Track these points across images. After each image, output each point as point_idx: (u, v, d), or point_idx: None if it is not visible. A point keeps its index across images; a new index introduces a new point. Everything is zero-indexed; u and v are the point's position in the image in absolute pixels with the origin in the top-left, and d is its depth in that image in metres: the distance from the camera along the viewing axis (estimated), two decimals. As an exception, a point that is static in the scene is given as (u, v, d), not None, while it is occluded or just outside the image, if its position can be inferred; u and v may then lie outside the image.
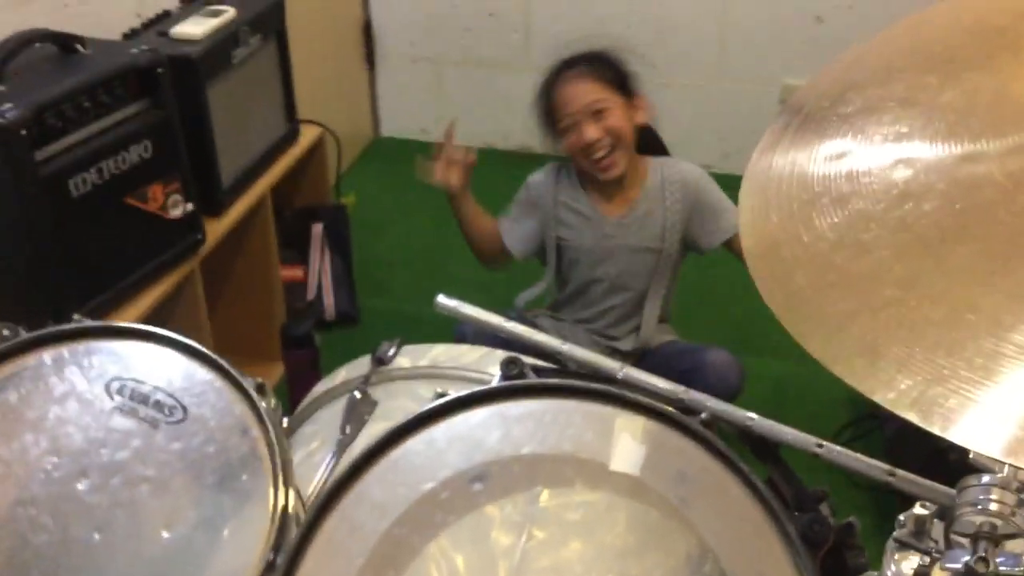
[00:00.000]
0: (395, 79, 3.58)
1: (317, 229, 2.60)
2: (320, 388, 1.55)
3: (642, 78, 3.43)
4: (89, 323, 0.96)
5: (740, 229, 0.60)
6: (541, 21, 3.36)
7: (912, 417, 0.46)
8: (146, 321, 1.86)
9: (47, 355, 0.93)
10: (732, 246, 2.00)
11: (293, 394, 2.24)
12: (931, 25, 0.70)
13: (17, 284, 1.75)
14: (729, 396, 1.94)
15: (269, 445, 0.89)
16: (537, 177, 2.12)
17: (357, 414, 1.37)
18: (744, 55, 3.27)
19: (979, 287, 0.49)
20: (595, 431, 0.82)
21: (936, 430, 0.46)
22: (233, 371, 0.92)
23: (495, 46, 3.43)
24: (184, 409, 0.91)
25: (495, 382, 0.85)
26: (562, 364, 0.99)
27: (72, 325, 0.95)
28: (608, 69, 1.99)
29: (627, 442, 0.80)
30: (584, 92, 1.94)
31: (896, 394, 0.47)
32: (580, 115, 1.91)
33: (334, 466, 1.25)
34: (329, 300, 2.60)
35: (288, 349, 2.22)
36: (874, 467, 0.77)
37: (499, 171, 3.43)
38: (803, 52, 3.21)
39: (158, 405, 0.91)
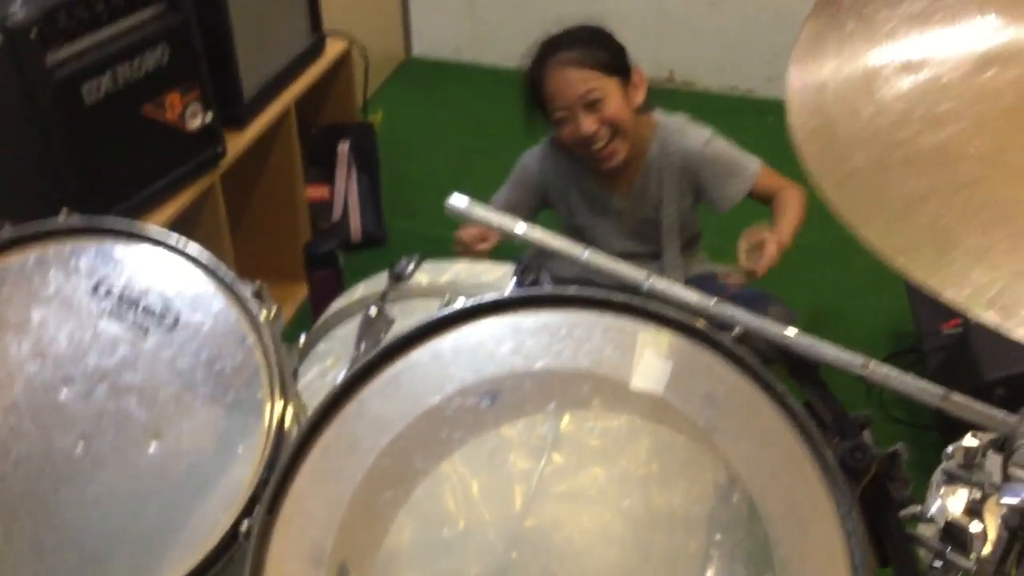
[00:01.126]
0: (427, -3, 3.47)
1: (344, 148, 2.52)
2: (337, 304, 1.49)
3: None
4: (77, 221, 0.90)
5: (788, 107, 0.51)
6: (581, -65, 3.20)
7: (991, 318, 0.38)
8: (165, 233, 1.81)
9: (32, 255, 0.87)
10: (752, 195, 1.87)
11: (316, 314, 2.19)
12: None
13: (30, 194, 1.70)
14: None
15: (266, 354, 0.83)
16: (533, 159, 1.96)
17: (373, 331, 1.30)
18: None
19: (1079, 164, 0.41)
20: (616, 346, 0.74)
21: (1021, 335, 0.38)
22: (228, 276, 0.86)
23: (531, -39, 3.30)
24: (176, 315, 0.85)
25: (508, 291, 0.78)
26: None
27: (59, 223, 0.89)
28: (598, 49, 1.80)
29: (650, 359, 0.72)
30: (575, 81, 1.75)
31: (972, 290, 0.39)
32: (574, 107, 1.75)
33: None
34: (355, 221, 2.54)
35: (311, 269, 2.16)
36: (926, 390, 0.69)
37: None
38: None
39: (148, 310, 0.84)
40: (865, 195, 0.44)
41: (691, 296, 0.75)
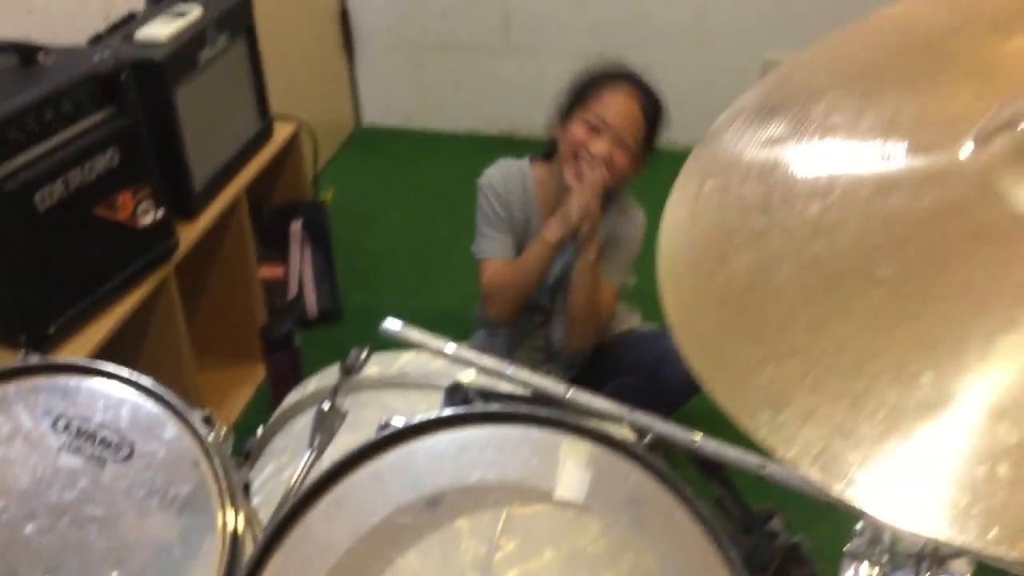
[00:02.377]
0: (374, 67, 3.56)
1: (296, 226, 2.58)
2: (292, 398, 1.55)
3: (624, 57, 3.41)
4: (35, 360, 0.95)
5: (659, 266, 0.58)
6: (519, 4, 3.32)
7: (814, 474, 0.45)
8: (123, 331, 1.85)
9: (-11, 394, 0.92)
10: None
11: (276, 396, 2.24)
12: (857, 42, 0.68)
13: (-14, 301, 1.74)
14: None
15: (217, 477, 0.88)
16: (497, 179, 2.00)
17: (326, 426, 1.36)
18: (724, 30, 3.24)
19: (885, 333, 0.48)
20: (541, 457, 0.81)
21: (836, 490, 0.45)
22: (179, 405, 0.91)
23: (474, 30, 3.40)
24: (131, 445, 0.90)
25: (440, 410, 0.84)
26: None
27: (17, 363, 0.94)
28: (656, 120, 1.91)
29: (573, 468, 0.79)
30: (630, 117, 1.85)
31: (800, 449, 0.46)
32: (609, 128, 1.82)
33: (301, 482, 1.24)
34: (310, 298, 2.59)
35: (269, 352, 2.21)
36: (820, 489, 0.76)
37: (482, 156, 3.41)
38: (781, 25, 3.18)
39: (104, 442, 0.90)
40: (715, 358, 0.51)
41: (607, 405, 0.82)
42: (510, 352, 2.05)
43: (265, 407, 2.31)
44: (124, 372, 0.94)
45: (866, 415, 0.46)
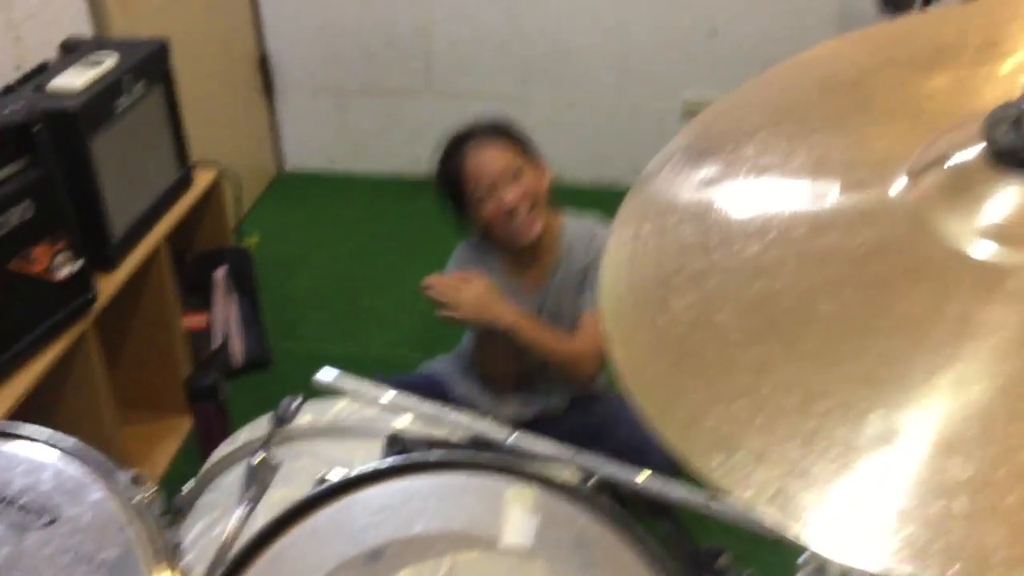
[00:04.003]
0: (296, 111, 3.53)
1: (219, 274, 2.53)
2: (221, 451, 1.50)
3: (547, 98, 3.45)
4: (-54, 425, 0.91)
5: (603, 309, 0.58)
6: (441, 47, 3.34)
7: (772, 515, 0.45)
8: (41, 387, 1.78)
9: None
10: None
11: (203, 447, 2.17)
12: (783, 83, 0.70)
13: None
14: (648, 456, 1.88)
15: (146, 539, 0.84)
16: (465, 249, 2.01)
17: (259, 479, 1.32)
18: (645, 71, 3.30)
19: (831, 372, 0.49)
20: (485, 504, 0.79)
21: (793, 530, 0.45)
22: (104, 466, 0.88)
23: (396, 74, 3.41)
24: (54, 510, 0.86)
25: (378, 461, 0.82)
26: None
27: (-72, 429, 0.90)
28: (510, 135, 1.91)
29: (518, 514, 0.78)
30: (497, 158, 1.85)
31: (753, 491, 0.46)
32: (498, 181, 1.83)
33: (234, 539, 1.20)
34: (237, 346, 2.54)
35: (194, 402, 2.15)
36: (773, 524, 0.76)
37: (408, 199, 3.42)
38: (701, 65, 3.26)
39: (25, 508, 0.85)
40: (663, 401, 0.51)
41: (550, 448, 0.81)
42: (486, 396, 2.03)
43: (193, 459, 2.24)
44: (44, 434, 0.90)
45: (818, 454, 0.46)
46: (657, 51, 3.26)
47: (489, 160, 1.86)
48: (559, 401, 2.01)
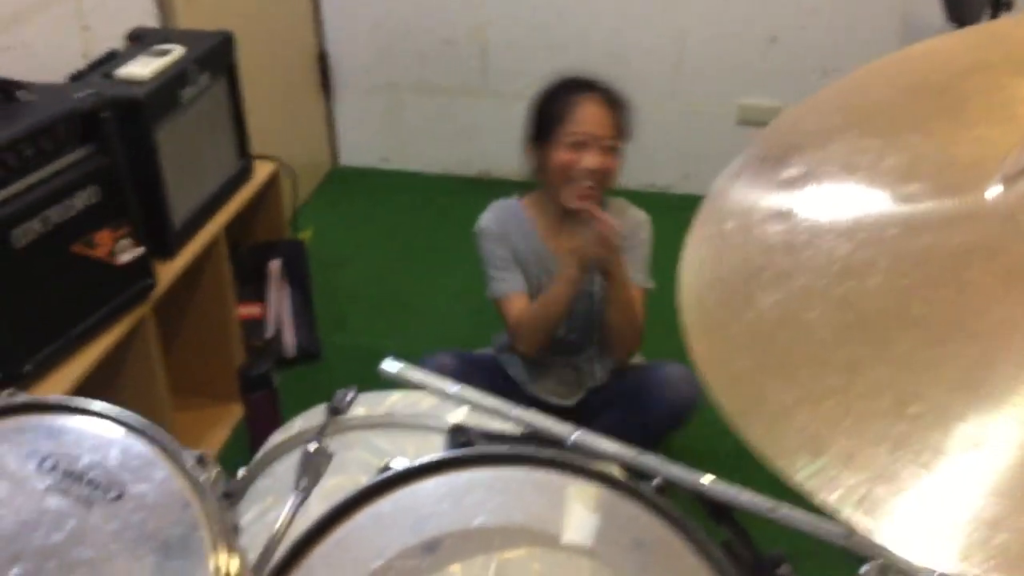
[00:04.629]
0: (352, 108, 3.56)
1: (274, 265, 2.56)
2: (276, 439, 1.51)
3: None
4: (21, 398, 0.92)
5: (681, 305, 0.58)
6: (497, 47, 3.35)
7: (860, 519, 0.44)
8: (99, 369, 1.81)
9: (-26, 433, 0.89)
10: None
11: (253, 436, 2.20)
12: (870, 85, 0.69)
13: (-39, 339, 1.70)
14: (685, 409, 1.91)
15: (209, 519, 0.86)
16: (489, 220, 2.00)
17: (313, 467, 1.33)
18: (700, 76, 3.28)
19: (924, 375, 0.48)
20: (546, 501, 0.79)
21: (881, 536, 0.44)
22: (171, 445, 0.89)
23: (452, 73, 3.42)
24: (120, 486, 0.87)
25: (442, 451, 0.82)
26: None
27: (1, 401, 0.91)
28: (626, 115, 1.92)
29: (579, 512, 0.78)
30: (607, 122, 1.86)
31: (842, 492, 0.45)
32: (592, 140, 1.83)
33: (288, 526, 1.21)
34: (289, 337, 2.56)
35: (246, 391, 2.18)
36: (831, 530, 0.75)
37: (459, 197, 3.43)
38: (758, 72, 3.23)
39: (93, 483, 0.87)
40: (746, 399, 0.50)
41: (613, 447, 0.81)
42: (535, 378, 2.03)
43: (242, 447, 2.27)
44: (114, 411, 0.91)
45: (909, 459, 0.45)
46: (714, 57, 3.23)
47: (600, 118, 1.85)
48: (602, 376, 2.04)
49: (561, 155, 1.85)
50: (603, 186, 1.87)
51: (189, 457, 0.90)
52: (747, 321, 0.54)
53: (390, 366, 0.93)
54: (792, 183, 0.61)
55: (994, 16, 2.57)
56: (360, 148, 3.63)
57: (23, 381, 1.69)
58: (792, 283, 0.54)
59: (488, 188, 3.56)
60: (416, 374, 0.92)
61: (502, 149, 3.47)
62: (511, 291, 1.94)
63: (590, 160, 1.83)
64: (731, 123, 3.30)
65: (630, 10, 3.20)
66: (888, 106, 0.65)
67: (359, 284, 2.99)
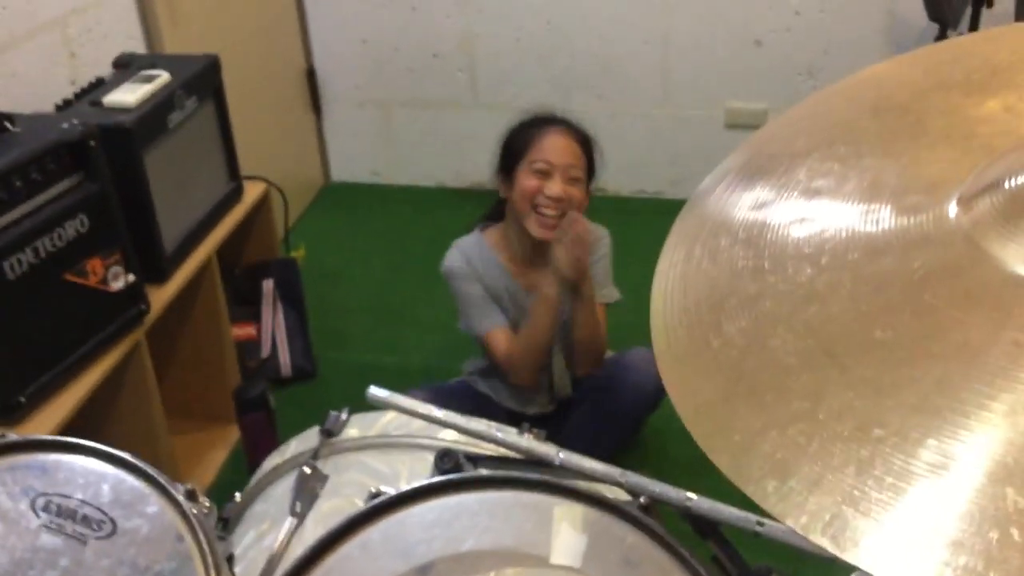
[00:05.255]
0: (342, 124, 3.57)
1: (268, 285, 2.57)
2: (271, 463, 1.52)
3: (590, 109, 3.46)
4: (12, 438, 0.93)
5: (652, 331, 0.59)
6: (485, 59, 3.36)
7: (825, 543, 0.45)
8: (94, 396, 1.82)
9: (-32, 474, 0.90)
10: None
11: (251, 458, 2.20)
12: (832, 107, 0.70)
13: (-43, 373, 1.71)
14: (653, 391, 1.93)
15: (201, 552, 0.86)
16: (455, 259, 2.04)
17: (308, 490, 1.34)
18: (687, 81, 3.29)
19: (887, 398, 0.49)
20: (534, 522, 0.80)
21: (848, 557, 0.45)
22: (161, 479, 0.90)
23: (440, 86, 3.44)
24: (113, 522, 0.88)
25: (429, 477, 0.83)
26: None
27: (-6, 441, 0.92)
28: (590, 152, 1.99)
29: (567, 532, 0.78)
30: (572, 153, 1.92)
31: (808, 517, 0.46)
32: (557, 168, 1.89)
33: (284, 551, 1.22)
34: (284, 356, 2.57)
35: (242, 413, 2.18)
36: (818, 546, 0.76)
37: (452, 209, 3.44)
38: (745, 75, 3.24)
39: (86, 520, 0.88)
40: (715, 426, 0.51)
41: (600, 467, 0.81)
42: (512, 393, 2.06)
43: (240, 469, 2.27)
44: (104, 448, 0.92)
45: (873, 481, 0.46)
46: (700, 61, 3.25)
47: (565, 148, 1.91)
48: (566, 386, 2.09)
49: (525, 182, 1.91)
50: (564, 215, 1.90)
51: (180, 490, 0.91)
52: (714, 349, 0.54)
53: (377, 392, 0.94)
54: (759, 206, 0.62)
55: (975, 14, 2.58)
56: (351, 163, 3.65)
57: (18, 412, 1.70)
58: (758, 308, 0.55)
59: (480, 199, 3.57)
60: (403, 401, 0.93)
61: (493, 160, 3.49)
62: (494, 327, 1.99)
63: (553, 187, 1.88)
64: (719, 127, 3.31)
65: (616, 17, 3.21)
66: (852, 127, 0.66)
67: (354, 299, 3.00)
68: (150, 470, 0.90)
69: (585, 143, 1.97)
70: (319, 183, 3.64)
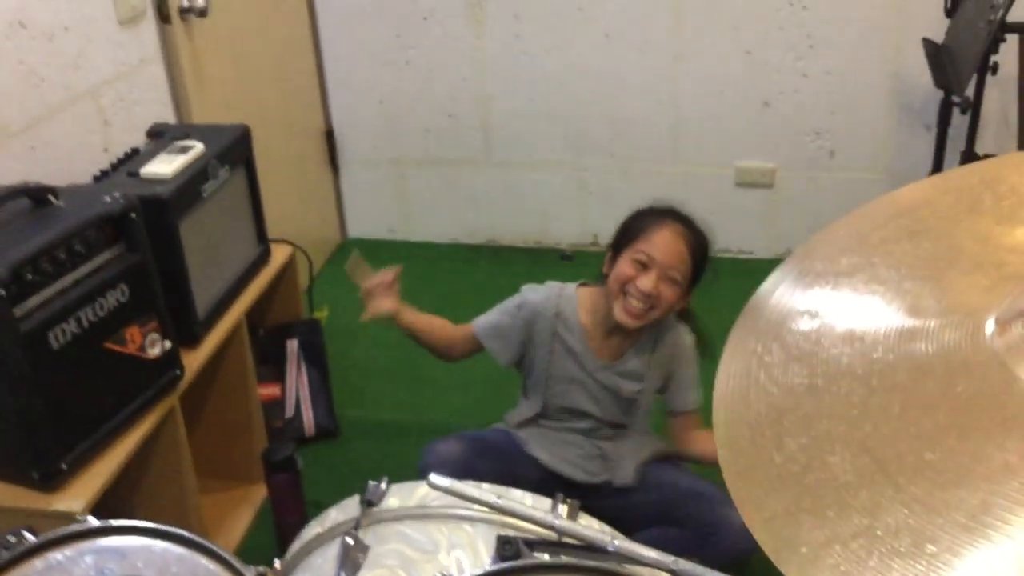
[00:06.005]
0: (359, 183, 3.66)
1: (292, 345, 2.63)
2: (311, 532, 1.56)
3: (602, 168, 3.54)
4: (92, 523, 0.99)
5: (716, 439, 0.64)
6: (499, 119, 3.45)
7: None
8: (129, 460, 1.86)
9: (54, 557, 0.95)
10: (675, 417, 2.11)
11: (279, 519, 2.24)
12: (875, 222, 0.76)
13: (1, 438, 1.76)
14: (745, 556, 1.93)
15: (273, 633, 0.91)
16: (535, 299, 2.09)
17: (351, 561, 1.38)
18: (697, 141, 3.38)
19: (937, 517, 0.54)
20: (590, 607, 0.85)
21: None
22: (234, 561, 0.95)
23: (455, 145, 3.52)
24: (188, 605, 0.93)
25: (489, 563, 0.88)
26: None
27: (74, 527, 0.97)
28: (703, 258, 1.99)
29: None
30: (678, 254, 1.92)
31: (872, 627, 0.51)
32: (656, 265, 1.90)
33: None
34: (308, 416, 2.62)
35: (271, 474, 2.22)
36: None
37: (467, 265, 3.51)
38: (753, 135, 3.33)
39: (160, 603, 0.93)
40: (783, 538, 0.57)
41: (653, 554, 0.86)
42: (553, 454, 2.10)
43: (266, 529, 2.31)
44: (179, 532, 0.97)
45: (930, 596, 0.51)
46: (709, 122, 3.34)
47: (671, 248, 1.92)
48: (627, 474, 2.07)
49: (624, 268, 1.94)
50: (654, 311, 1.94)
51: (249, 572, 0.96)
52: (778, 464, 0.60)
53: (439, 481, 0.99)
54: (808, 323, 0.68)
55: (980, 81, 2.66)
56: (367, 220, 3.72)
57: (59, 479, 1.74)
58: (816, 427, 0.61)
59: (495, 254, 3.66)
60: (463, 488, 0.98)
61: (506, 217, 3.58)
62: (477, 324, 2.13)
63: (646, 282, 1.90)
64: (730, 185, 3.39)
65: (627, 79, 3.30)
66: (889, 252, 0.72)
67: (373, 357, 3.05)
68: (224, 553, 0.95)
69: (696, 250, 1.97)
70: (336, 240, 3.71)
